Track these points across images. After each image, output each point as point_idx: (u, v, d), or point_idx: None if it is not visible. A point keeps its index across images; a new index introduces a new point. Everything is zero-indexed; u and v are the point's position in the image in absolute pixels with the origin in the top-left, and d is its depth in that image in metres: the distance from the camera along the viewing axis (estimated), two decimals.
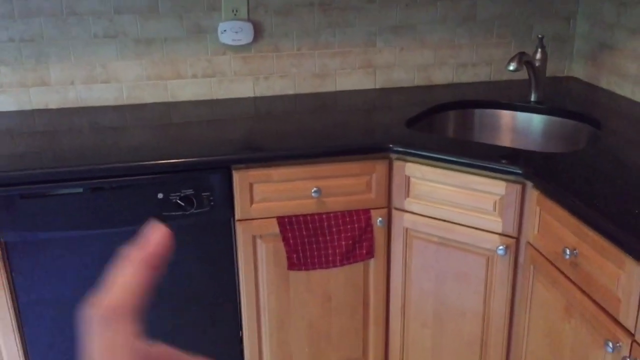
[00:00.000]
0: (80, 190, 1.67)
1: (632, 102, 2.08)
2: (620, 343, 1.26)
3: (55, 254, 1.71)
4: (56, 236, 1.69)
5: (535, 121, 2.06)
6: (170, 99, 2.22)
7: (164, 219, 1.72)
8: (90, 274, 1.74)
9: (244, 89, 2.24)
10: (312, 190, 1.76)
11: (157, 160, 1.68)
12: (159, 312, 1.82)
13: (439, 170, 1.70)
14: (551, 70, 2.41)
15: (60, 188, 1.65)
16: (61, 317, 1.77)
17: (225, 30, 2.14)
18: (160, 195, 1.71)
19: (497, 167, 1.60)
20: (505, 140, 2.13)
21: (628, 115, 1.96)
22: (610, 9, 2.18)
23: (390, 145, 1.74)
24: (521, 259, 1.66)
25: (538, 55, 2.07)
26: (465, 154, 1.65)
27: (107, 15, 2.09)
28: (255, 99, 2.23)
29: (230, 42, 2.16)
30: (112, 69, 2.15)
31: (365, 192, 1.80)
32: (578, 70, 2.40)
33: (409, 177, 1.76)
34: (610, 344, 1.27)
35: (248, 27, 2.15)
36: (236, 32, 2.15)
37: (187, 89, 2.21)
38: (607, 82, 2.24)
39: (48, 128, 1.96)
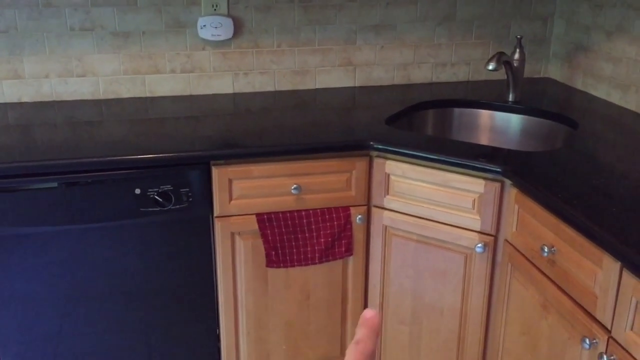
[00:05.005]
0: (55, 185, 1.63)
1: (607, 103, 2.12)
2: (597, 339, 1.27)
3: (28, 250, 1.67)
4: (29, 232, 1.66)
5: (513, 121, 2.08)
6: (148, 94, 2.19)
7: (141, 215, 1.70)
8: (63, 270, 1.71)
9: (223, 85, 2.23)
10: (292, 187, 1.75)
11: (134, 155, 1.66)
12: (136, 308, 1.79)
13: (418, 168, 1.70)
14: (528, 71, 2.44)
15: (34, 182, 1.62)
16: (33, 314, 1.73)
17: (204, 25, 2.12)
18: (137, 191, 1.68)
19: (476, 165, 1.61)
20: (484, 139, 2.14)
21: (604, 116, 1.98)
22: (586, 11, 2.21)
23: (371, 143, 1.74)
24: (499, 257, 1.68)
25: (516, 56, 2.09)
26: (445, 152, 1.66)
27: (84, 7, 2.05)
28: (234, 95, 2.22)
29: (209, 38, 2.14)
30: (88, 63, 2.11)
31: (345, 190, 1.80)
32: (554, 71, 2.43)
33: (388, 175, 1.76)
34: (587, 341, 1.28)
35: (228, 23, 2.13)
36: (216, 28, 2.13)
37: (165, 84, 2.19)
38: (583, 83, 2.27)
39: (21, 122, 1.92)
